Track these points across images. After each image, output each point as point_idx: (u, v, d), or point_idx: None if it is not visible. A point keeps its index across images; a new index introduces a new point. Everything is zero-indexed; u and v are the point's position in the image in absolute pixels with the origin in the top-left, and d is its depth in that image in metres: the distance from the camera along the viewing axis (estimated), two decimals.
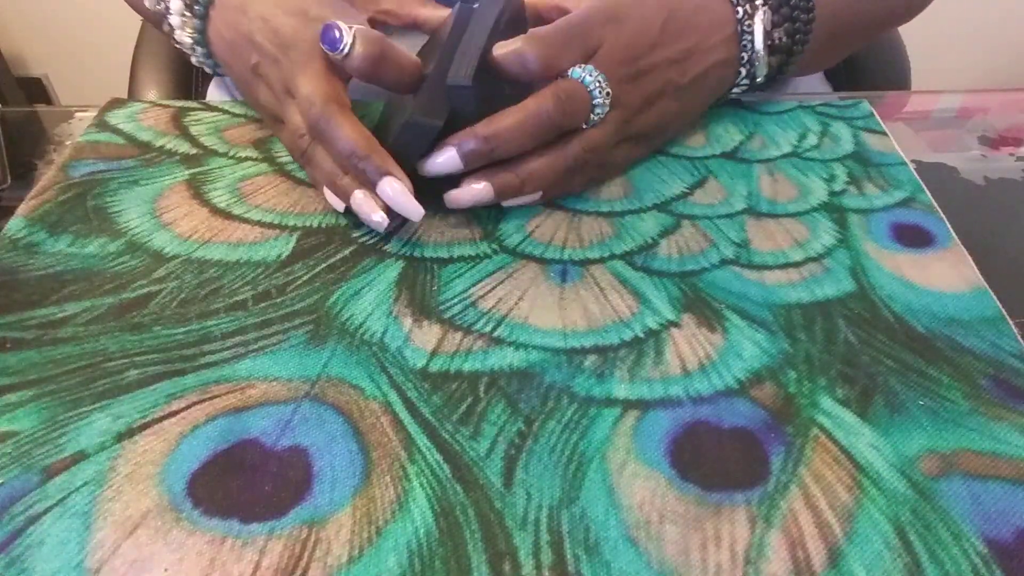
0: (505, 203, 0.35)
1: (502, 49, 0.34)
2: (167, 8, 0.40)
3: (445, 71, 0.33)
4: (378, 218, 0.33)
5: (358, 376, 0.28)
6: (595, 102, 0.34)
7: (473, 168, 0.34)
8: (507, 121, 0.33)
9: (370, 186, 0.33)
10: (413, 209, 0.33)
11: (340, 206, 0.35)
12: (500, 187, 0.34)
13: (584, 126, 0.35)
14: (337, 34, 0.34)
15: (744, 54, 0.39)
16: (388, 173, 0.33)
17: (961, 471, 0.25)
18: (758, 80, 0.40)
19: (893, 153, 0.39)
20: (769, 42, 0.38)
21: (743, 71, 0.39)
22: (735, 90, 0.41)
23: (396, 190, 0.32)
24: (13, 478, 0.25)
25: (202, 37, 0.41)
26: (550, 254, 0.33)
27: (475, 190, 0.34)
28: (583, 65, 0.34)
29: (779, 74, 0.41)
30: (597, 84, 0.34)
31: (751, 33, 0.38)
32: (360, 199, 0.33)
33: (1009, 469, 0.25)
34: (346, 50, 0.34)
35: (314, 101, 0.34)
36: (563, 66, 0.34)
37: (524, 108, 0.33)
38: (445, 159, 0.34)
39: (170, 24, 0.41)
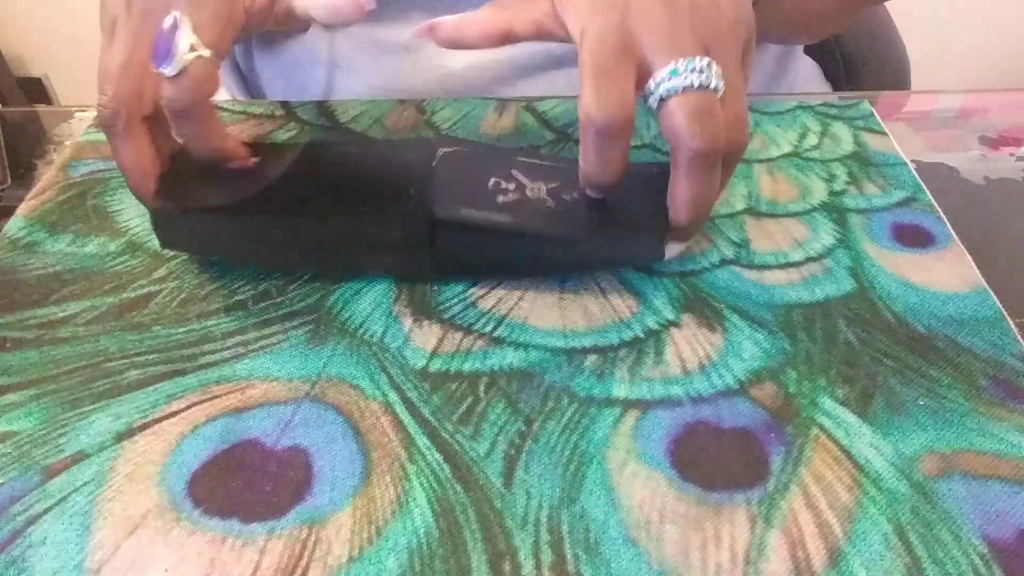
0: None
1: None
2: None
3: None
4: None
5: (358, 376, 0.28)
6: (712, 87, 0.26)
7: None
8: (687, 196, 0.28)
9: None
10: None
11: None
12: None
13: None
14: (173, 49, 0.27)
15: None
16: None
17: (961, 471, 0.25)
18: None
19: (893, 153, 0.39)
20: None
21: None
22: None
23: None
24: (13, 478, 0.25)
25: None
26: None
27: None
28: (656, 75, 0.26)
29: None
30: (696, 74, 0.26)
31: None
32: None
33: (1009, 469, 0.25)
34: (172, 73, 0.27)
35: (109, 100, 0.29)
36: (627, 92, 0.27)
37: (685, 175, 0.27)
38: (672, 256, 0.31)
39: None
